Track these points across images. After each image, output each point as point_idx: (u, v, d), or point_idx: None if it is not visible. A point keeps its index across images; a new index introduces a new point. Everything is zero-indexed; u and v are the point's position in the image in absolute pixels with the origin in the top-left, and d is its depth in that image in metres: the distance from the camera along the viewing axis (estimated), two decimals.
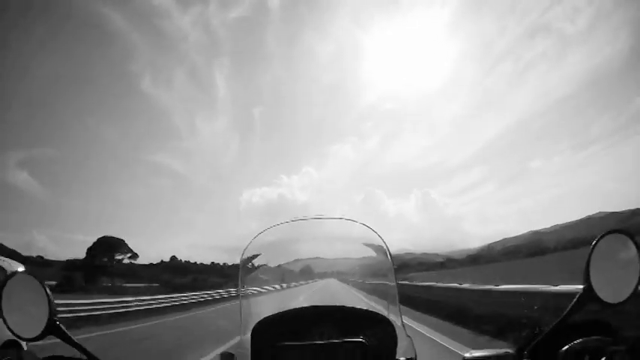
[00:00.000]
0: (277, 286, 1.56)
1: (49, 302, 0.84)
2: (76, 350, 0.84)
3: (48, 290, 0.84)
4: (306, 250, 1.35)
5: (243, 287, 1.12)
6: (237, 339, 1.01)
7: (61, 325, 0.84)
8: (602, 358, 0.73)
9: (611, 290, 0.82)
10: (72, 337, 0.83)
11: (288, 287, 1.67)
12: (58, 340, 0.84)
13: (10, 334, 0.84)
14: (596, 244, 0.84)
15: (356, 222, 1.09)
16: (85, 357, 0.84)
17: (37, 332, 0.82)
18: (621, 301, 0.82)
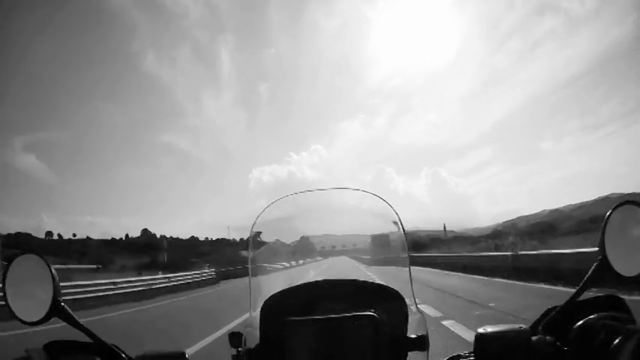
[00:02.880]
0: (287, 264, 1.54)
1: (54, 282, 0.81)
2: (81, 333, 0.82)
3: (53, 270, 0.82)
4: (316, 225, 1.32)
5: (252, 264, 1.09)
6: (246, 316, 0.99)
7: (65, 306, 0.81)
8: (618, 336, 0.71)
9: (627, 262, 0.80)
10: (77, 319, 0.81)
11: (298, 265, 1.65)
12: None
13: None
14: (610, 215, 0.82)
15: (368, 192, 1.05)
16: (90, 340, 0.82)
17: (42, 315, 0.80)
18: (637, 273, 0.80)
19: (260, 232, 1.10)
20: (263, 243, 1.15)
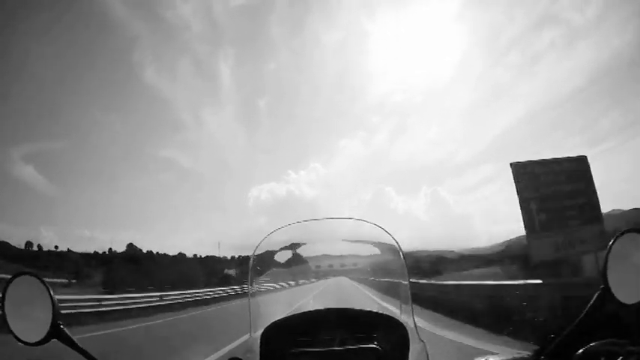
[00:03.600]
0: (287, 284, 1.55)
1: (53, 305, 0.82)
2: (80, 355, 0.82)
3: (52, 292, 0.83)
4: (317, 249, 1.33)
5: (252, 286, 1.10)
6: (246, 338, 1.01)
7: (65, 329, 0.82)
8: (618, 358, 0.72)
9: (629, 290, 0.81)
10: (76, 341, 0.81)
11: (297, 285, 1.66)
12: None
13: None
14: (612, 244, 0.82)
15: (367, 222, 1.07)
16: None
17: (41, 336, 0.80)
18: (638, 301, 0.80)
19: (266, 254, 1.10)
20: (266, 265, 1.15)
